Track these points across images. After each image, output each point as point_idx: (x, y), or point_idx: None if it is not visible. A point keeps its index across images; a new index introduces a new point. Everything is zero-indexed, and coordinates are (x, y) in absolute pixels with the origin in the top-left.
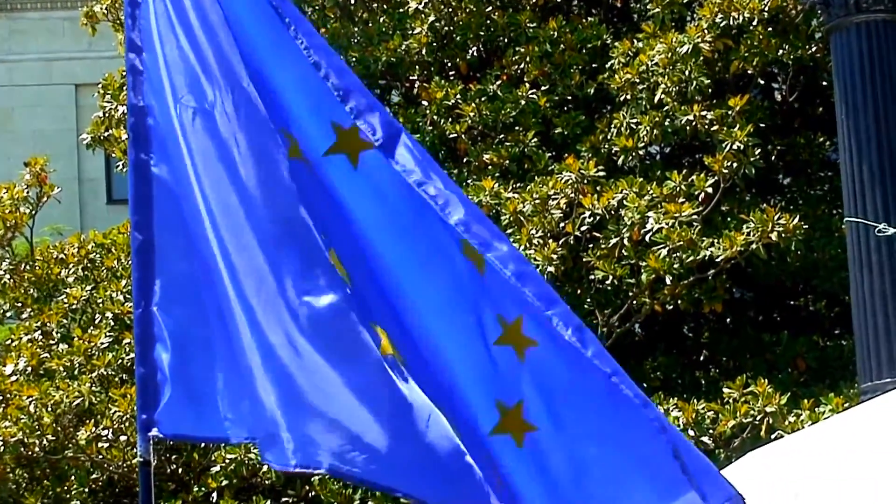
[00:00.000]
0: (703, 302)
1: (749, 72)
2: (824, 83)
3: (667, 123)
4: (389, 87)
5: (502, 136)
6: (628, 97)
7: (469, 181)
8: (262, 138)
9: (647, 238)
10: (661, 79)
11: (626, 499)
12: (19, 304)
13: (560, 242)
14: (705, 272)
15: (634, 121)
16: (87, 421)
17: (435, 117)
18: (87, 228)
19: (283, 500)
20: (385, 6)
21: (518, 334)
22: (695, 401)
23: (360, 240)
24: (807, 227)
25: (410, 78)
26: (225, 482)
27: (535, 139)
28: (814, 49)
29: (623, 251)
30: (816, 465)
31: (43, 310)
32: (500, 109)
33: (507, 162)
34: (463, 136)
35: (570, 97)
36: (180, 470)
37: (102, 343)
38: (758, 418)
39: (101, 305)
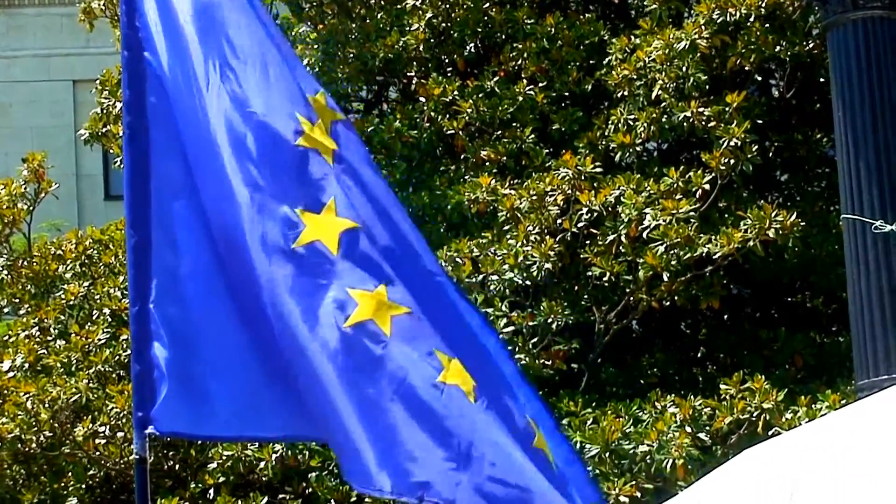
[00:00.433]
0: (700, 298)
1: (746, 68)
2: (822, 80)
3: (664, 120)
4: (387, 84)
5: (499, 132)
6: (625, 94)
7: (466, 177)
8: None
9: (644, 235)
10: (659, 75)
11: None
12: (17, 301)
13: (557, 239)
14: (702, 269)
15: (632, 117)
16: (85, 417)
17: (432, 114)
18: (84, 224)
19: (280, 496)
20: (383, 3)
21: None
22: (692, 397)
23: None
24: (804, 223)
25: (408, 74)
26: (222, 479)
27: (533, 136)
28: (811, 45)
29: (620, 248)
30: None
31: (40, 306)
32: (497, 106)
33: (505, 158)
34: (460, 132)
35: (567, 94)
36: (177, 466)
37: (100, 339)
38: (755, 415)
39: (98, 302)
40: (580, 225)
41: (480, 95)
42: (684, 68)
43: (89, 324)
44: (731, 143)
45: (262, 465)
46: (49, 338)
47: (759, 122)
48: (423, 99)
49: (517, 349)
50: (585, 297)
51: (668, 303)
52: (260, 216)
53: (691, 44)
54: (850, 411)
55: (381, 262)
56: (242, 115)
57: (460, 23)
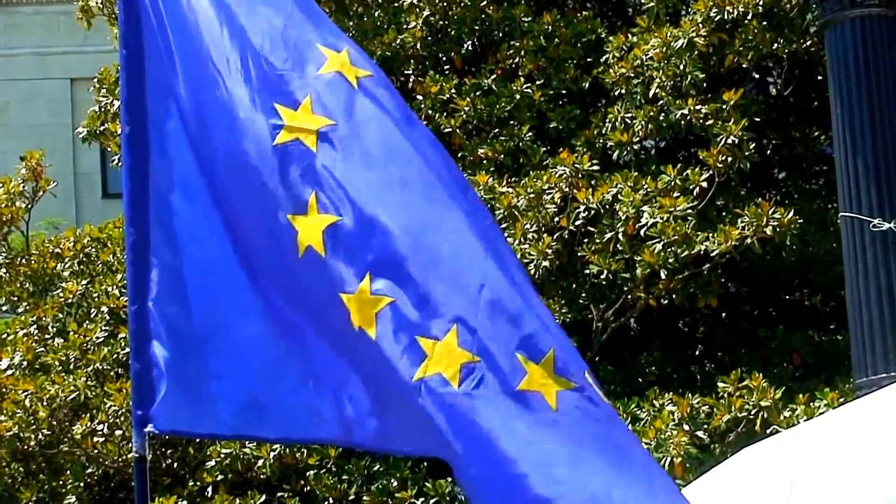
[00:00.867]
0: (697, 296)
1: (744, 66)
2: (819, 77)
3: (661, 118)
4: None
5: (497, 130)
6: (623, 91)
7: (464, 175)
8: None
9: (641, 232)
10: (656, 73)
11: None
12: (15, 299)
13: (555, 237)
14: (700, 267)
15: (629, 115)
16: (83, 415)
17: (430, 112)
18: (82, 223)
19: (279, 494)
20: (380, 0)
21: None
22: (689, 395)
23: None
24: (802, 221)
25: (405, 72)
26: (220, 477)
27: (530, 133)
28: (808, 43)
29: (618, 245)
30: (811, 459)
31: (38, 304)
32: (494, 104)
33: (502, 156)
34: (458, 130)
35: (564, 91)
36: (175, 465)
37: (98, 337)
38: (753, 413)
39: (96, 300)
40: (578, 223)
41: (478, 93)
42: (682, 66)
43: (87, 322)
44: (729, 141)
45: (260, 463)
46: (47, 336)
47: (757, 119)
48: (420, 97)
49: None
50: (583, 295)
51: (665, 301)
52: (264, 220)
53: (689, 42)
54: (848, 410)
55: (362, 251)
56: (234, 118)
57: (457, 21)
